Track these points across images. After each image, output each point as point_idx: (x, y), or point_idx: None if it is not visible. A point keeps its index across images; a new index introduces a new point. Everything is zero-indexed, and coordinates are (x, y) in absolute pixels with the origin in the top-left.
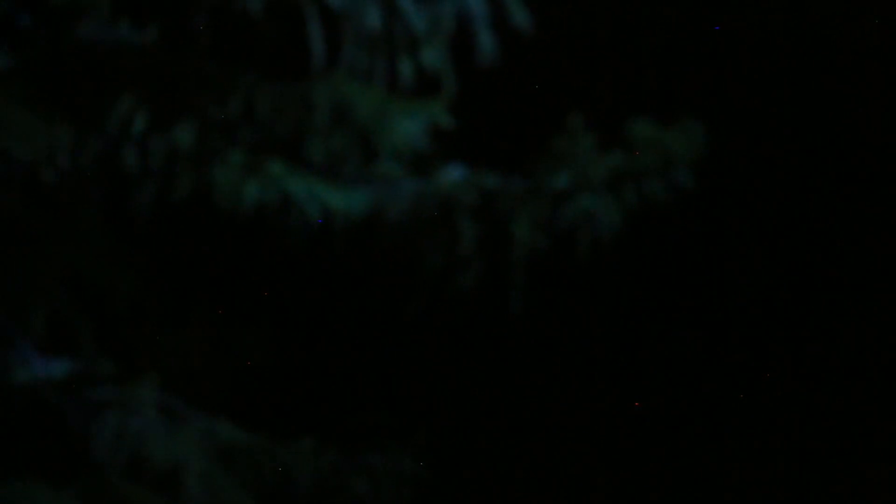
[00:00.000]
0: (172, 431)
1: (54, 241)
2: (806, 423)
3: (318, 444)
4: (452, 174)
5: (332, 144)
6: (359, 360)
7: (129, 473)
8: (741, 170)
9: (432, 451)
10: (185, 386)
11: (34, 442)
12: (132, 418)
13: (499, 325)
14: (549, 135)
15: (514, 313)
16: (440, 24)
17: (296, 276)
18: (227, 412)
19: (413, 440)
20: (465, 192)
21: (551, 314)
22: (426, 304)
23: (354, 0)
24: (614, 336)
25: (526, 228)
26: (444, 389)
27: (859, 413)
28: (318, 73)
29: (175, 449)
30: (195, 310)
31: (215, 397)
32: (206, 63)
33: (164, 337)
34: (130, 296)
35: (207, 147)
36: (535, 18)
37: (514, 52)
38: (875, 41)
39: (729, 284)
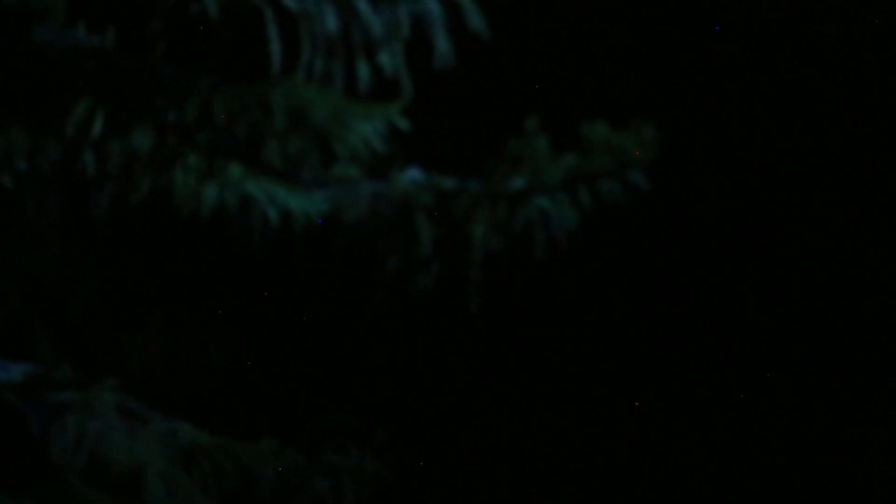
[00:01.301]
0: (133, 433)
1: (12, 245)
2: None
3: (280, 444)
4: (410, 176)
5: (290, 147)
6: (319, 360)
7: (89, 476)
8: (698, 170)
9: (393, 451)
10: (146, 388)
11: None
12: (92, 421)
13: (458, 324)
14: (505, 137)
15: (474, 313)
16: (397, 28)
17: (256, 278)
18: (188, 414)
19: (374, 440)
20: (423, 193)
21: (511, 314)
22: (386, 304)
23: (312, 3)
24: (574, 335)
25: (483, 229)
26: (404, 389)
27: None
28: (275, 76)
29: (135, 451)
30: (155, 312)
31: (176, 399)
32: (163, 67)
33: (123, 339)
34: (90, 299)
35: (166, 150)
36: (491, 22)
37: (470, 55)
38: (832, 39)
39: (690, 282)
